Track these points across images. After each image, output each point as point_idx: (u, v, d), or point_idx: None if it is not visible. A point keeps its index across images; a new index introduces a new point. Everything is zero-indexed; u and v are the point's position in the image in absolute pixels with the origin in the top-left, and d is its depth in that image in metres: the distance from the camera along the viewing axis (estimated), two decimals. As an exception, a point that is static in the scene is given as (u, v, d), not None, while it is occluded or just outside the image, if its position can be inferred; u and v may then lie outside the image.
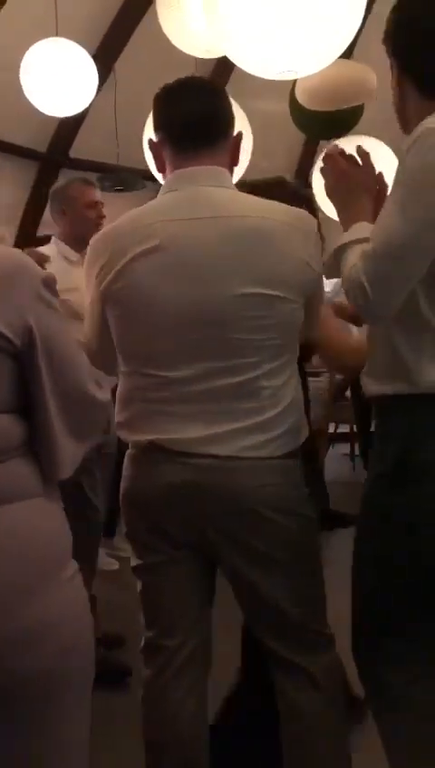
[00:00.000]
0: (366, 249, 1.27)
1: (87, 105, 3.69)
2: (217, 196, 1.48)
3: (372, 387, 1.38)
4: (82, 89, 3.51)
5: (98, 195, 2.87)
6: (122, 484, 1.57)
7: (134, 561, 1.60)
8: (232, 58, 2.16)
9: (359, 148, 1.43)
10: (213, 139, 1.51)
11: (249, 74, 2.19)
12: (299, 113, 3.54)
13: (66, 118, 4.56)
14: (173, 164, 1.53)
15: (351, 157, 1.42)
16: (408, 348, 1.30)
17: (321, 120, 3.29)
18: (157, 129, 1.56)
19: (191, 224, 1.44)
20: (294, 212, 1.51)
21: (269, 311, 1.44)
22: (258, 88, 3.28)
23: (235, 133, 1.57)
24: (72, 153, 6.02)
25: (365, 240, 1.28)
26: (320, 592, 1.59)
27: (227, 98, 1.57)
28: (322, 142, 5.33)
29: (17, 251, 1.14)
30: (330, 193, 1.45)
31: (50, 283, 1.09)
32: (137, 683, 1.64)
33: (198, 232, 1.43)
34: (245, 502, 1.45)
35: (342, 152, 1.44)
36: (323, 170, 1.45)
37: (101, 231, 1.59)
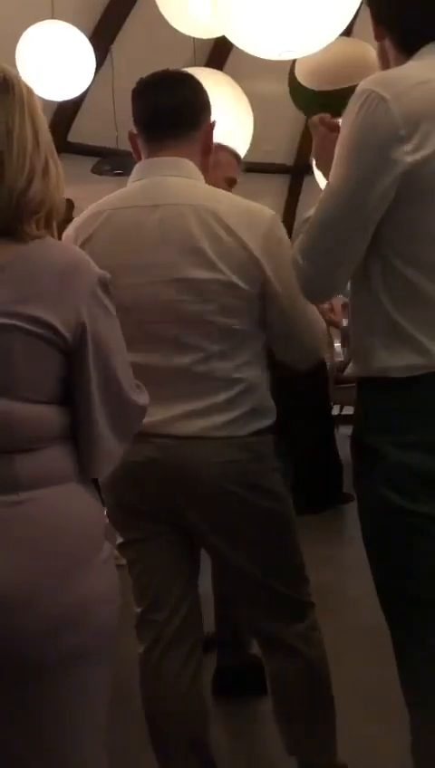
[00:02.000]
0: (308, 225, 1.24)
1: (85, 88, 3.66)
2: (173, 184, 1.52)
3: (348, 369, 1.38)
4: (79, 72, 3.48)
5: None
6: None
7: (118, 540, 1.64)
8: (231, 38, 2.14)
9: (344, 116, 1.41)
10: (180, 131, 1.55)
11: (247, 55, 2.18)
12: (299, 93, 3.51)
13: (64, 102, 4.52)
14: (144, 154, 1.58)
15: (335, 125, 1.38)
16: (365, 331, 1.26)
17: (321, 100, 3.26)
18: (133, 121, 1.60)
19: (136, 211, 1.50)
20: (245, 204, 1.54)
21: (210, 294, 1.47)
22: (256, 69, 3.26)
23: (209, 121, 1.60)
24: (71, 137, 5.98)
25: None
26: (294, 562, 1.63)
27: (198, 89, 1.59)
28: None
29: (77, 249, 1.18)
30: (317, 163, 1.43)
31: (105, 282, 1.11)
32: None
33: (142, 219, 1.49)
34: (207, 476, 1.49)
35: (323, 120, 1.42)
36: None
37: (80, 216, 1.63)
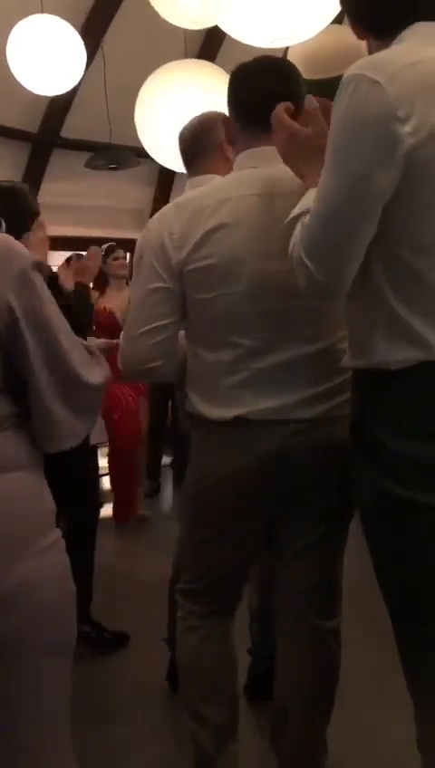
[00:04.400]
0: (304, 221, 1.20)
1: (77, 82, 3.64)
2: (291, 174, 1.49)
3: (345, 360, 1.36)
4: (70, 66, 3.46)
5: None
6: (201, 462, 1.60)
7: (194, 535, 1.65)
8: (223, 26, 2.13)
9: (307, 103, 1.37)
10: None
11: (239, 47, 2.17)
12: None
13: (56, 97, 4.50)
14: (245, 141, 1.56)
15: (300, 114, 1.37)
16: (364, 324, 1.24)
17: (314, 88, 3.25)
18: (236, 105, 1.58)
19: (268, 198, 1.48)
20: None
21: None
22: (248, 59, 3.24)
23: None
24: (64, 133, 5.96)
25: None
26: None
27: (302, 81, 1.58)
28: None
29: (4, 236, 1.17)
30: (285, 158, 1.39)
31: (39, 267, 1.12)
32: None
33: (268, 206, 1.48)
34: (332, 456, 1.50)
35: (289, 109, 1.38)
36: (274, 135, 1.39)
37: (170, 204, 1.60)
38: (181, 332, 1.61)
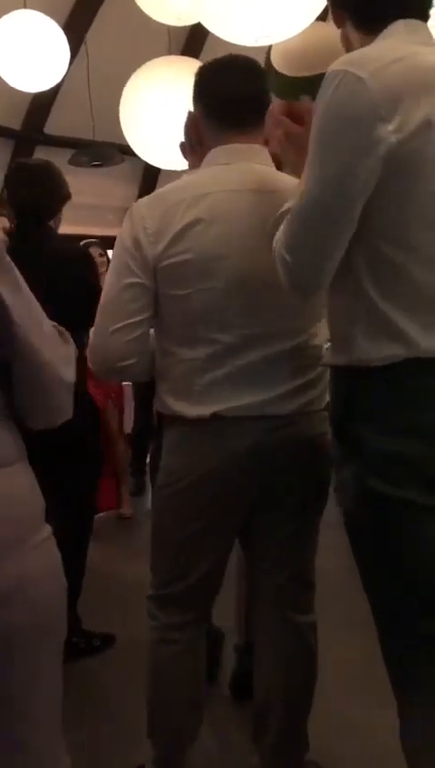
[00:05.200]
0: (287, 217, 1.21)
1: (60, 79, 3.62)
2: (264, 172, 1.54)
3: (324, 358, 1.36)
4: (53, 62, 3.43)
5: None
6: (175, 462, 1.57)
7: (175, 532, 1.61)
8: (206, 24, 2.13)
9: (303, 104, 1.38)
10: (259, 118, 1.55)
11: (223, 44, 2.16)
12: (276, 80, 3.49)
13: (39, 93, 4.47)
14: (216, 138, 1.56)
15: (295, 114, 1.37)
16: (345, 321, 1.24)
17: (299, 85, 3.25)
18: (198, 101, 1.58)
19: (246, 195, 1.49)
20: None
21: None
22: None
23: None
24: (47, 129, 5.92)
25: None
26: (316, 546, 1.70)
27: (266, 77, 1.60)
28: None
29: None
30: (282, 156, 1.41)
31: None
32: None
33: (245, 202, 1.48)
34: (306, 451, 1.54)
35: (283, 110, 1.39)
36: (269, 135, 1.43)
37: (145, 198, 1.59)
38: (150, 331, 1.59)
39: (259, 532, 1.62)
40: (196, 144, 1.64)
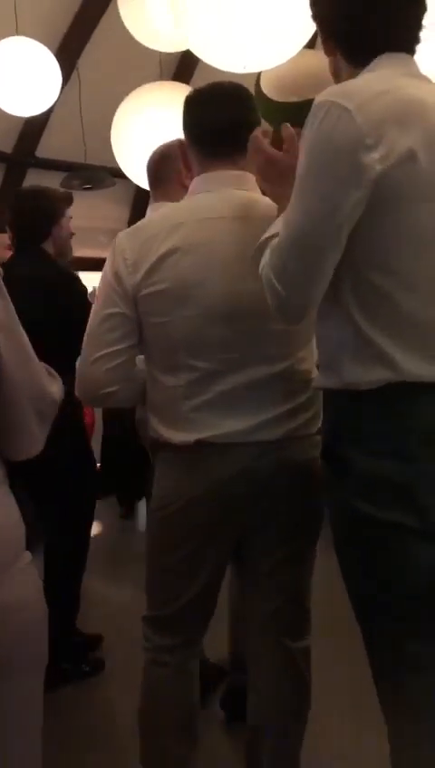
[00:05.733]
0: (273, 243, 1.22)
1: (52, 104, 3.66)
2: (247, 198, 1.54)
3: (314, 381, 1.36)
4: (45, 87, 3.48)
5: None
6: (166, 486, 1.58)
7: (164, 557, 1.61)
8: (195, 51, 2.16)
9: (284, 130, 1.39)
10: (241, 145, 1.54)
11: (214, 69, 2.19)
12: (265, 105, 3.54)
13: (31, 117, 4.51)
14: (201, 166, 1.58)
15: (276, 140, 1.39)
16: (334, 346, 1.26)
17: (287, 111, 3.29)
18: (185, 129, 1.60)
19: (223, 222, 1.50)
20: None
21: None
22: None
23: None
24: (39, 153, 5.96)
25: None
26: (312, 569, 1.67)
27: (255, 105, 1.60)
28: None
29: None
30: (261, 183, 1.42)
31: None
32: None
33: (224, 230, 1.49)
34: (297, 476, 1.53)
35: (266, 134, 1.41)
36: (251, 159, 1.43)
37: (126, 230, 1.61)
38: (141, 357, 1.61)
39: (251, 557, 1.62)
40: (188, 171, 1.65)
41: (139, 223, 1.62)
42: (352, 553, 1.27)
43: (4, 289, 1.10)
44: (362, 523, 1.21)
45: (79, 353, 1.57)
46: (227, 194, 1.53)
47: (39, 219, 2.51)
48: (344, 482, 1.24)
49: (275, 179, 1.38)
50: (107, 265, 1.57)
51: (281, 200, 1.36)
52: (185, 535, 1.56)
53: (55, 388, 1.20)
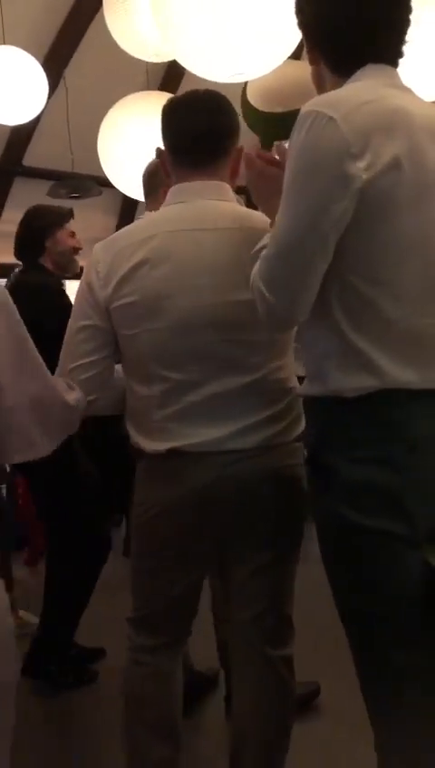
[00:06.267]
0: (263, 253, 1.23)
1: (38, 113, 3.66)
2: (221, 208, 1.54)
3: (299, 389, 1.36)
4: (32, 96, 3.47)
5: None
6: (144, 493, 1.59)
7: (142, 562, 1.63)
8: (181, 61, 2.17)
9: (278, 147, 1.40)
10: (218, 154, 1.55)
11: (201, 79, 2.20)
12: (251, 115, 3.55)
13: (18, 126, 4.51)
14: (177, 176, 1.58)
15: (269, 156, 1.40)
16: (319, 353, 1.26)
17: (273, 121, 3.31)
18: (163, 138, 1.60)
19: (194, 234, 1.50)
20: None
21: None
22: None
23: (237, 145, 1.60)
24: (26, 161, 5.96)
25: None
26: (294, 577, 1.66)
27: (233, 113, 1.59)
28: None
29: None
30: (255, 197, 1.43)
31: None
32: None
33: (197, 241, 1.49)
34: (272, 483, 1.52)
35: (261, 155, 1.42)
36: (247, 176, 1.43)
37: (103, 241, 1.61)
38: (119, 366, 1.63)
39: (231, 564, 1.61)
40: (168, 178, 1.64)
41: (115, 233, 1.62)
42: (338, 561, 1.27)
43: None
44: (349, 531, 1.21)
45: (56, 365, 1.57)
46: (199, 204, 1.53)
47: (30, 235, 2.65)
48: (331, 490, 1.23)
49: (266, 193, 1.39)
50: (83, 277, 1.59)
51: (269, 215, 1.37)
52: (162, 541, 1.57)
53: (72, 395, 1.21)
